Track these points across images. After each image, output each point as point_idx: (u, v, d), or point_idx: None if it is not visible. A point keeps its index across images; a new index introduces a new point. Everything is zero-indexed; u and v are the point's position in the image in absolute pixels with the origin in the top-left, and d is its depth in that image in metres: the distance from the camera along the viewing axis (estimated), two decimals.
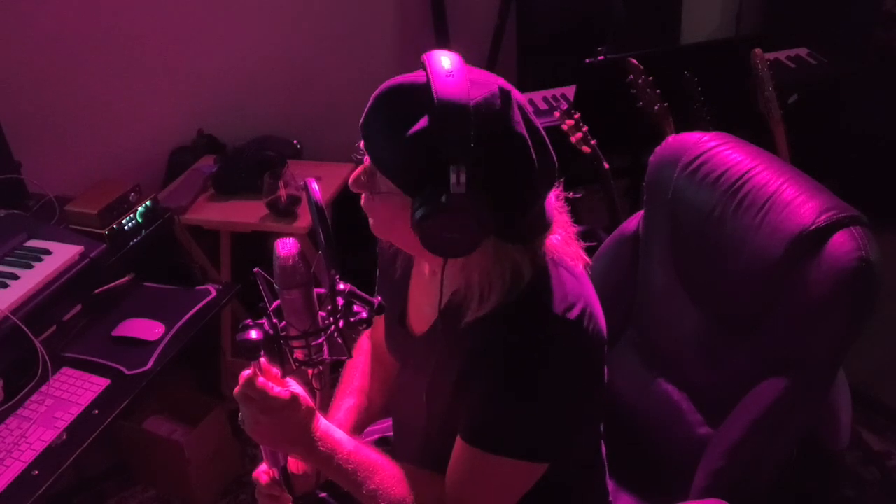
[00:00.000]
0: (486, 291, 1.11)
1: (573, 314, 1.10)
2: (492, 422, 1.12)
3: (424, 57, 1.07)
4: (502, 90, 1.05)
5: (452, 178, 0.99)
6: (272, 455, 1.24)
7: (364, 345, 1.52)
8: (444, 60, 1.04)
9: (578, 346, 1.12)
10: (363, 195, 1.13)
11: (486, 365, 1.11)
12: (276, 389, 1.10)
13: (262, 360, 1.10)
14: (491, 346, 1.11)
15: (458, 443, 1.15)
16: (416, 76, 1.06)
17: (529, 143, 1.06)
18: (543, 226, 1.13)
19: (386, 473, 1.17)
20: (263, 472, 1.26)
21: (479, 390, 1.12)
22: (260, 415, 1.10)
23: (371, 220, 1.16)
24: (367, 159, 1.10)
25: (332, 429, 1.17)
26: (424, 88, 1.02)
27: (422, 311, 1.26)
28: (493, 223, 1.04)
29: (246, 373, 1.10)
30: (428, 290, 1.24)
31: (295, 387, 1.13)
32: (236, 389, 1.11)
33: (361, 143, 1.10)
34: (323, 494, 1.43)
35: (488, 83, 1.05)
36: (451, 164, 0.99)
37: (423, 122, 1.01)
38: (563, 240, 1.16)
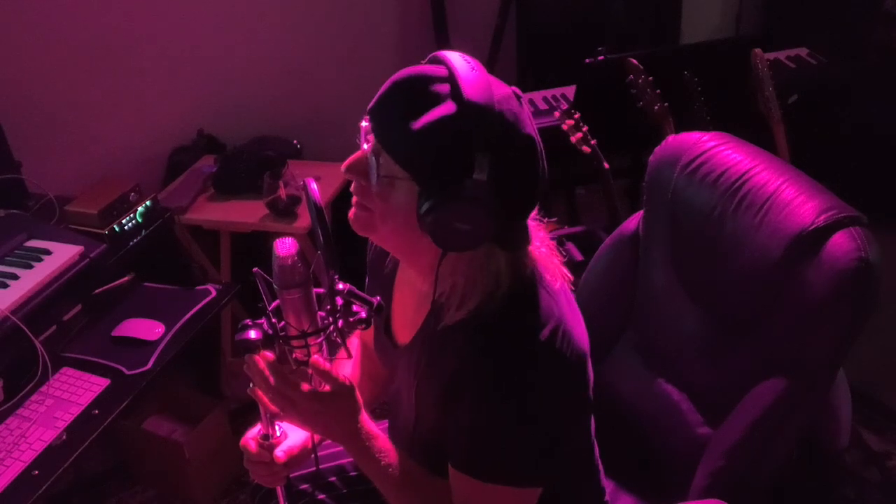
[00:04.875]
0: (467, 296, 1.10)
1: (544, 335, 1.09)
2: (474, 450, 1.12)
3: (439, 54, 1.07)
4: (516, 93, 1.07)
5: (478, 165, 0.98)
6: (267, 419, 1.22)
7: (354, 341, 1.51)
8: (462, 58, 1.05)
9: (552, 367, 1.10)
10: (355, 184, 1.11)
11: (466, 388, 1.10)
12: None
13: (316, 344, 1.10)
14: (467, 371, 1.10)
15: (451, 469, 1.15)
16: (434, 67, 1.05)
17: (539, 147, 1.07)
18: (527, 237, 1.13)
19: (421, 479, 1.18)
20: (252, 439, 1.23)
21: (459, 416, 1.12)
22: (314, 403, 1.11)
23: (355, 213, 1.12)
24: (367, 146, 1.08)
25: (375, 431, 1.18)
26: (446, 78, 1.02)
27: (405, 321, 1.25)
28: (498, 221, 1.03)
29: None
30: (412, 299, 1.23)
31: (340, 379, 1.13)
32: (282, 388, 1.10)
33: (364, 126, 1.08)
34: (322, 496, 1.43)
35: (503, 84, 1.07)
36: (476, 151, 0.99)
37: (443, 109, 1.01)
38: (546, 254, 1.15)
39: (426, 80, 1.03)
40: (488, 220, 1.01)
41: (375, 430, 1.17)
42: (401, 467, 1.17)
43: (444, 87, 1.02)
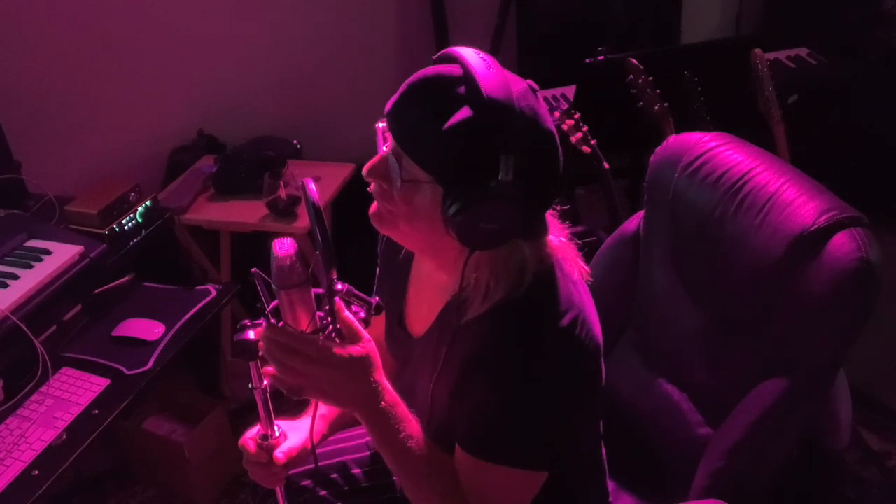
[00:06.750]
0: (493, 288, 1.10)
1: (565, 321, 1.09)
2: (485, 430, 1.12)
3: (453, 51, 1.07)
4: (531, 87, 1.07)
5: (503, 166, 0.99)
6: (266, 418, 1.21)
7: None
8: (477, 55, 1.04)
9: (570, 354, 1.11)
10: (375, 186, 1.11)
11: (482, 371, 1.10)
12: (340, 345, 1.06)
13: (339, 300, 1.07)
14: (487, 353, 1.10)
15: (457, 449, 1.15)
16: (450, 68, 1.05)
17: (557, 139, 1.08)
18: (546, 227, 1.14)
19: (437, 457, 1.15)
20: (250, 439, 1.23)
21: (473, 397, 1.12)
22: (324, 369, 1.06)
23: (376, 212, 1.13)
24: (385, 147, 1.08)
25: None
26: (464, 79, 1.02)
27: (421, 313, 1.26)
28: (524, 217, 1.04)
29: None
30: (428, 291, 1.23)
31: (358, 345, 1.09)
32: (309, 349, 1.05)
33: (381, 127, 1.08)
34: (323, 493, 1.43)
35: (518, 78, 1.07)
36: (501, 153, 0.99)
37: (464, 112, 1.01)
38: (564, 244, 1.16)
39: (445, 82, 1.03)
40: (515, 218, 1.02)
41: (396, 397, 1.12)
42: (421, 438, 1.13)
43: (463, 89, 1.02)
